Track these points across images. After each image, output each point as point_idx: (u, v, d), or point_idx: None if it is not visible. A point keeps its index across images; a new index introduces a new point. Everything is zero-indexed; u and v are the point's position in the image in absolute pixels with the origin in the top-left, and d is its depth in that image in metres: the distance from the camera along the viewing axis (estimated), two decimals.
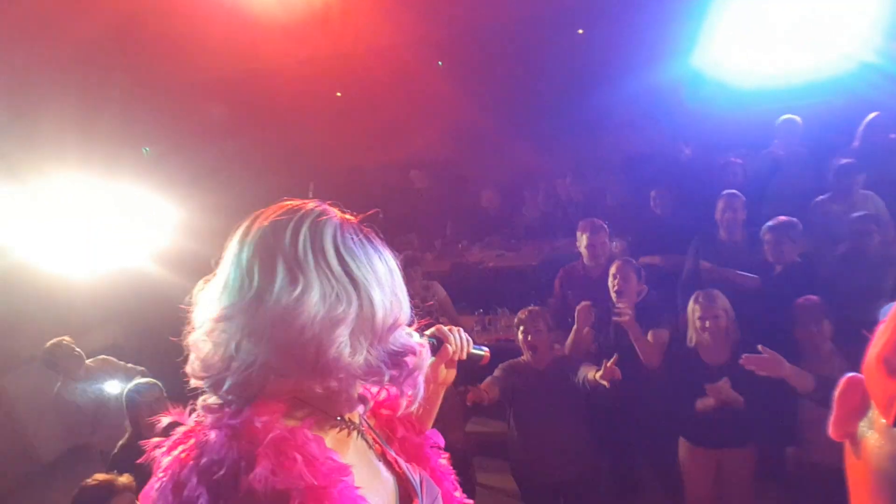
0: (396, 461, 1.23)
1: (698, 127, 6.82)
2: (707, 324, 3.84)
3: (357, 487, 0.98)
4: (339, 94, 9.40)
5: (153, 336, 5.47)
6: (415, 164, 8.06)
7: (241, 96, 7.67)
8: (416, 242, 7.20)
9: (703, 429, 3.93)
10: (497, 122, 8.39)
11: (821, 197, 5.15)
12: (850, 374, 0.73)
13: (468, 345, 1.48)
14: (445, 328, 1.44)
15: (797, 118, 5.66)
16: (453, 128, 8.30)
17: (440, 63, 9.68)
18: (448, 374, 1.49)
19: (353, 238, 1.04)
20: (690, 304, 3.96)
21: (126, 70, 6.61)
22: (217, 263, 1.04)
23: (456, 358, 1.45)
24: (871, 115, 5.48)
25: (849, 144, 5.52)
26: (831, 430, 0.75)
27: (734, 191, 4.99)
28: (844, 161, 5.14)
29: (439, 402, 1.52)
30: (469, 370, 1.63)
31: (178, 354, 1.06)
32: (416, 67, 8.41)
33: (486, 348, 1.52)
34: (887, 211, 4.96)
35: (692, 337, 3.97)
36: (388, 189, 7.87)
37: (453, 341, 1.43)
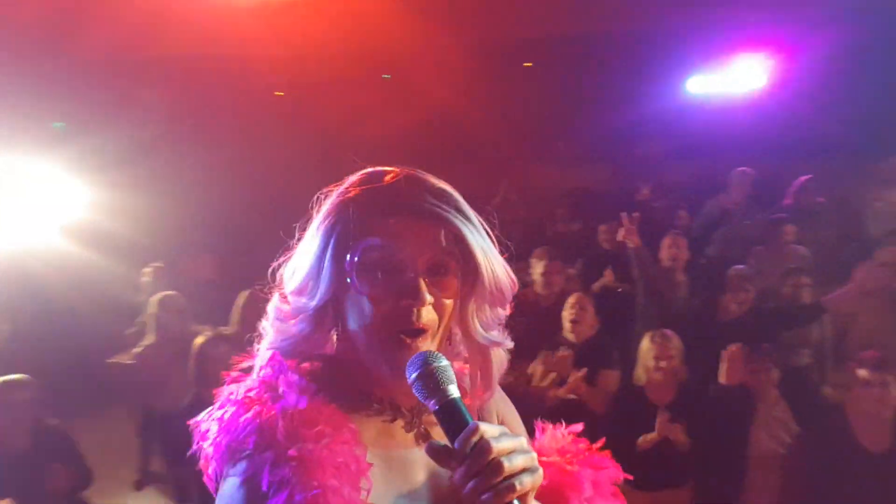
0: None
1: (654, 169, 6.98)
2: (661, 363, 3.81)
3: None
4: (279, 93, 9.02)
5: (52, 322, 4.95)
6: (353, 174, 7.77)
7: (179, 81, 7.16)
8: None
9: (641, 470, 3.84)
10: (441, 144, 8.27)
11: (758, 247, 5.30)
12: None
13: (495, 488, 0.86)
14: (477, 438, 0.88)
15: (750, 170, 5.87)
16: (395, 142, 8.09)
17: (386, 76, 9.52)
18: None
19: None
20: (645, 342, 3.93)
21: (48, 41, 6.00)
22: None
23: (460, 482, 0.90)
24: (804, 178, 5.77)
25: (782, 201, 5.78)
26: None
27: (678, 231, 5.07)
28: (776, 216, 5.35)
29: None
30: None
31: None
32: (362, 78, 8.21)
33: None
34: (812, 265, 5.17)
35: (642, 375, 3.92)
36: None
37: (462, 450, 0.89)
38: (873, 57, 6.22)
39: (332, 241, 1.01)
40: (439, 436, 0.98)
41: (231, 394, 1.02)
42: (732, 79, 7.28)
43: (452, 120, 7.94)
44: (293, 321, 1.06)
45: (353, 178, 1.08)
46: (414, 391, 0.96)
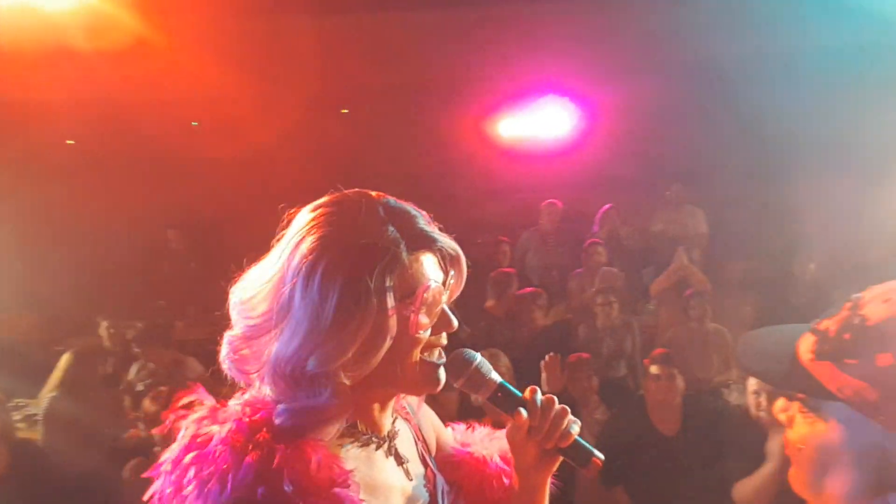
0: (434, 480, 1.26)
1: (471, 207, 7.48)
2: None
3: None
4: (71, 141, 8.48)
5: None
6: (172, 224, 7.50)
7: None
8: (166, 309, 6.60)
9: None
10: (257, 191, 8.23)
11: (577, 271, 5.93)
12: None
13: (566, 430, 1.16)
14: (540, 396, 1.19)
15: (558, 202, 6.54)
16: (214, 190, 7.95)
17: (194, 123, 9.33)
18: (541, 461, 1.21)
19: None
20: None
21: None
22: None
23: (539, 436, 1.17)
24: (607, 206, 6.57)
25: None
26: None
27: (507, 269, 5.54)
28: (591, 240, 6.04)
29: (538, 495, 1.26)
30: None
31: None
32: (171, 125, 8.01)
33: (599, 453, 1.18)
34: (624, 283, 5.88)
35: (477, 398, 4.19)
36: (137, 249, 7.17)
37: (535, 410, 1.16)
38: (663, 103, 7.34)
39: (385, 294, 1.01)
40: (409, 454, 1.23)
41: (202, 436, 1.01)
42: (539, 122, 8.17)
43: (269, 166, 7.98)
44: (325, 388, 1.02)
45: (342, 212, 1.07)
46: (465, 389, 1.19)
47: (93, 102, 7.15)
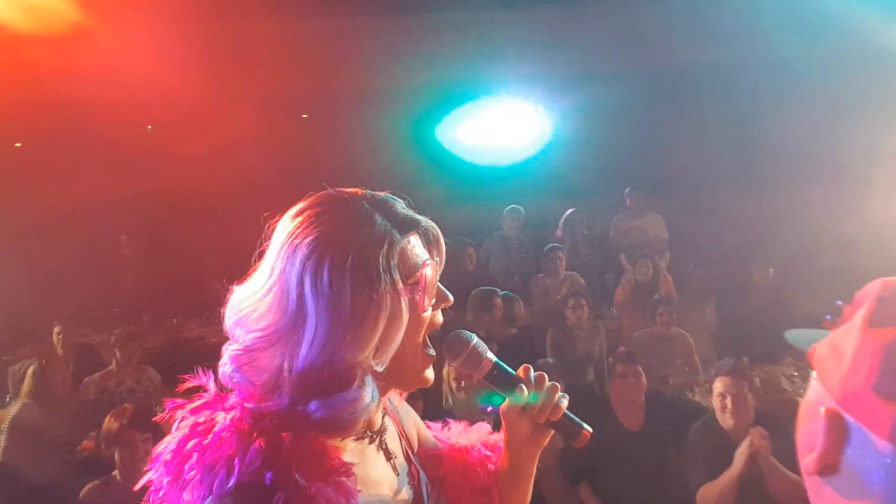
0: (417, 476, 1.29)
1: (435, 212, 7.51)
2: (463, 383, 4.16)
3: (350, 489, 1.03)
4: (18, 144, 8.27)
5: None
6: (125, 229, 7.33)
7: None
8: (121, 316, 6.47)
9: None
10: (216, 192, 8.13)
11: (539, 275, 6.01)
12: (827, 407, 0.80)
13: (557, 403, 1.23)
14: (533, 373, 1.25)
15: (520, 207, 6.62)
16: (164, 193, 7.82)
17: (150, 127, 9.18)
18: (532, 436, 1.28)
19: None
20: (445, 368, 4.26)
21: None
22: None
23: (532, 411, 1.23)
24: (570, 211, 6.68)
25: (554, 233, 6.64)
26: (815, 466, 0.82)
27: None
28: (550, 245, 6.15)
29: (527, 471, 1.33)
30: None
31: None
32: (125, 126, 7.87)
33: (587, 426, 1.26)
34: (585, 287, 5.98)
35: (449, 398, 4.26)
36: (90, 253, 7.00)
37: (535, 389, 1.23)
38: (624, 111, 7.52)
39: (394, 277, 1.03)
40: (395, 450, 1.26)
41: (204, 423, 1.02)
42: (502, 129, 8.28)
43: (231, 170, 7.90)
44: (354, 379, 1.03)
45: (330, 211, 1.07)
46: (462, 368, 1.25)
47: (42, 104, 6.97)
